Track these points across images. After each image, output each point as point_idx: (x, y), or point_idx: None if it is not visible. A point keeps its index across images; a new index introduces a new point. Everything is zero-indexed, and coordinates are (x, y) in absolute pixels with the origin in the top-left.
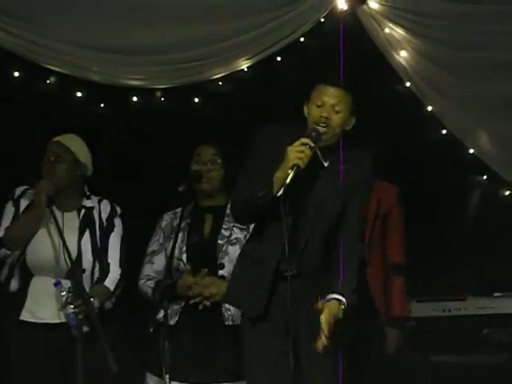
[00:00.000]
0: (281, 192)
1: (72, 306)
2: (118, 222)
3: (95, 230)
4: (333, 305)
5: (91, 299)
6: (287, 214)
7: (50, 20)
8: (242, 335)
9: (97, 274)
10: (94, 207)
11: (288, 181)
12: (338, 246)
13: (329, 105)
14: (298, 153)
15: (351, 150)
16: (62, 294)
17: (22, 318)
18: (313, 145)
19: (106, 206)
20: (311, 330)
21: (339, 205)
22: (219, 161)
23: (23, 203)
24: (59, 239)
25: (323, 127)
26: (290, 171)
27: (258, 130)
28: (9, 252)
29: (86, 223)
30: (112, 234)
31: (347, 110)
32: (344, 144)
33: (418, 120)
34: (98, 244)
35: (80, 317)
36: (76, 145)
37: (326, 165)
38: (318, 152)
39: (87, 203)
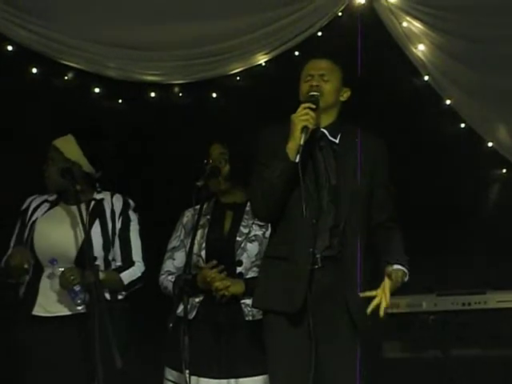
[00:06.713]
0: (298, 158)
1: (72, 278)
2: (133, 215)
3: (106, 220)
4: (400, 273)
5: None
6: (305, 181)
7: (65, 16)
8: (267, 330)
9: (114, 264)
10: (105, 199)
11: (302, 142)
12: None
13: (317, 76)
14: (302, 116)
15: (363, 132)
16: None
17: (34, 312)
18: (314, 106)
19: (118, 200)
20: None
21: (365, 181)
22: (226, 158)
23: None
24: (68, 232)
25: (316, 92)
26: (301, 135)
27: (262, 131)
28: None
29: (96, 214)
30: (131, 228)
31: (336, 79)
32: (355, 127)
33: (436, 114)
34: (111, 234)
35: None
36: (65, 144)
37: (337, 141)
38: (325, 131)
39: (97, 196)
